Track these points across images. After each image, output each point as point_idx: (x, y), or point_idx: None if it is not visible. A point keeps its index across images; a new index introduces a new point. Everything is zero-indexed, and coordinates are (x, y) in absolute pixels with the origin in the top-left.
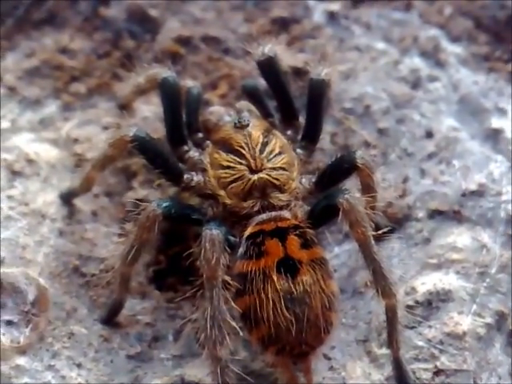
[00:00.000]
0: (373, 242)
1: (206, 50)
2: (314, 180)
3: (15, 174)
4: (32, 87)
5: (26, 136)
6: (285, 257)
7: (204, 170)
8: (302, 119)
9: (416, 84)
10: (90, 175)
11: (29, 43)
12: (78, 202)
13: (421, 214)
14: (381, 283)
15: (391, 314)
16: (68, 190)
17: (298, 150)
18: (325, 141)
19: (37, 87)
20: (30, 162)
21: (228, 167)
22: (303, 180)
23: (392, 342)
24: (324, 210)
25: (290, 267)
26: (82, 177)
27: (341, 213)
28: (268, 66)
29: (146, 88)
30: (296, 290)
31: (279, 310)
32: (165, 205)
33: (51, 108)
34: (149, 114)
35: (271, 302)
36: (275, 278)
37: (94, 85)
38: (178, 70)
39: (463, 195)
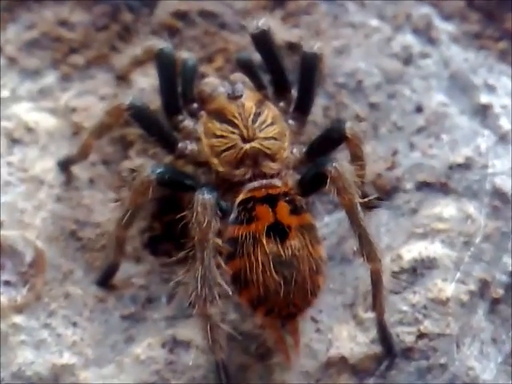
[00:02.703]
0: (359, 208)
1: (202, 24)
2: (304, 150)
3: (14, 141)
4: (32, 58)
5: (26, 105)
6: (274, 222)
7: (198, 139)
8: (294, 92)
9: (408, 60)
10: (87, 142)
11: (29, 15)
12: (76, 170)
13: (409, 186)
14: (366, 248)
15: (376, 277)
16: (66, 158)
17: (290, 121)
18: (318, 114)
19: (36, 58)
20: (29, 130)
21: (221, 136)
22: (294, 150)
23: (376, 304)
24: (313, 178)
25: (279, 232)
26: (80, 144)
27: (328, 180)
28: (262, 39)
29: (143, 59)
30: (285, 254)
31: (268, 273)
32: (159, 170)
33: (50, 78)
34: (146, 85)
35: (261, 264)
36: (265, 242)
37: (92, 56)
38: (175, 43)
39: (450, 168)
